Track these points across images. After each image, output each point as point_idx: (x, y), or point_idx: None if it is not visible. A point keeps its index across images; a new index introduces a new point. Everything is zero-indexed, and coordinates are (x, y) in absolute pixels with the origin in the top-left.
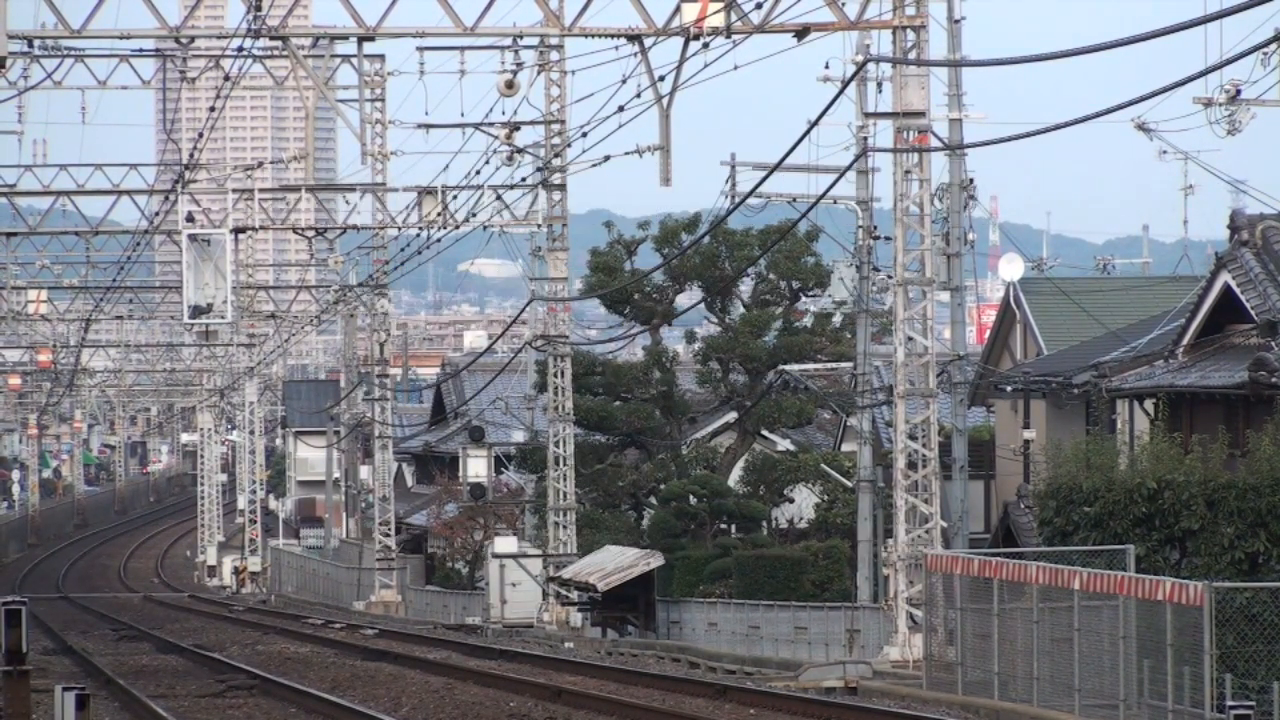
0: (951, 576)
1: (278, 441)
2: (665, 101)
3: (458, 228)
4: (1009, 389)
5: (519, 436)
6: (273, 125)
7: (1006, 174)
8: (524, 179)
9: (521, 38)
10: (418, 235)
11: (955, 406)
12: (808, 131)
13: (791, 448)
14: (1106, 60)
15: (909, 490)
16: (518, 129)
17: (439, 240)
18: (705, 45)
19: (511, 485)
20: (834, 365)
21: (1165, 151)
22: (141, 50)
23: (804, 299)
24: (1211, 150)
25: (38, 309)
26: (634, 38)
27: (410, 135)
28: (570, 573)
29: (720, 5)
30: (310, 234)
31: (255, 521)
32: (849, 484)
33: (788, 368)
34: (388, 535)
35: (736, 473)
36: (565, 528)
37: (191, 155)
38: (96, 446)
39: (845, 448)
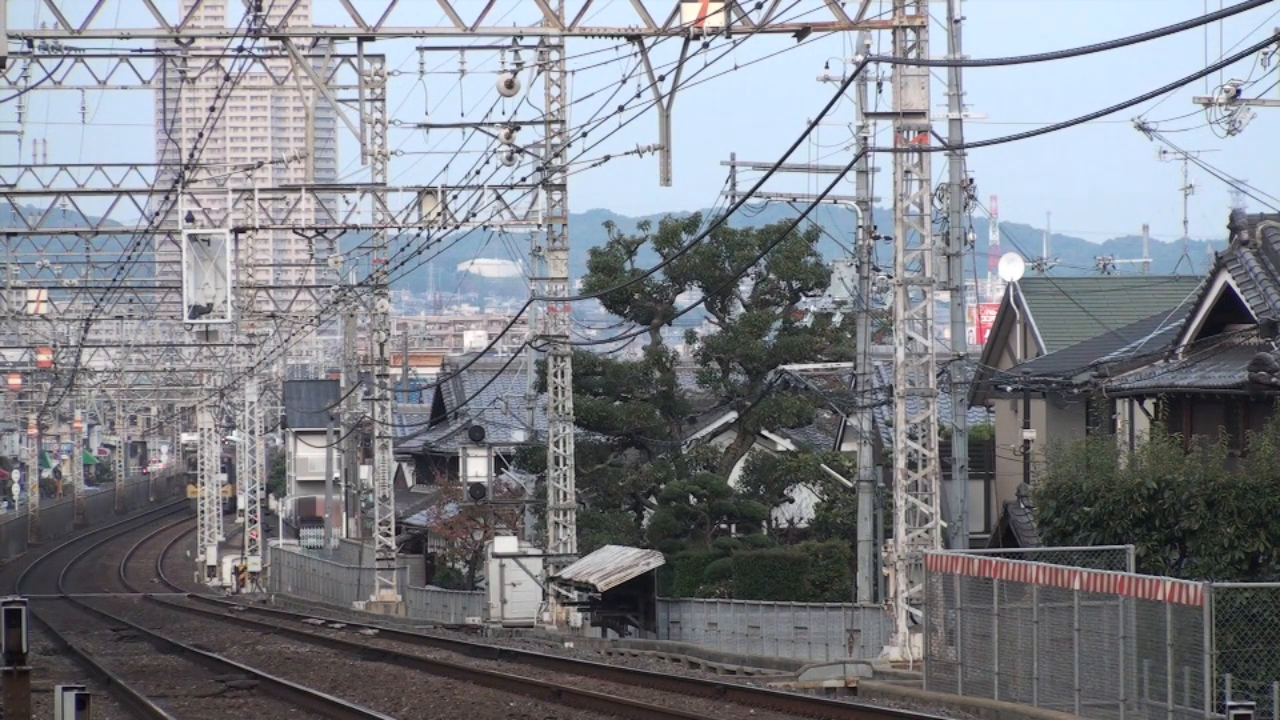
0: (951, 576)
1: (277, 441)
2: (665, 101)
3: (458, 228)
4: (1009, 389)
5: (519, 436)
6: (273, 125)
7: (1006, 174)
8: (524, 179)
9: (521, 38)
10: (418, 235)
11: (955, 406)
12: (808, 131)
13: (791, 448)
14: (1106, 60)
15: (909, 490)
16: (518, 129)
17: (439, 240)
18: (705, 45)
19: (511, 485)
20: (834, 365)
21: (1165, 151)
22: (141, 50)
23: (804, 299)
24: (1211, 150)
25: (38, 309)
26: (634, 38)
27: (410, 135)
28: (570, 573)
29: (720, 5)
30: (310, 234)
31: (255, 521)
32: (849, 484)
33: (788, 368)
34: (388, 535)
35: (736, 473)
36: (565, 528)
37: (191, 155)
38: (96, 446)
39: (845, 448)
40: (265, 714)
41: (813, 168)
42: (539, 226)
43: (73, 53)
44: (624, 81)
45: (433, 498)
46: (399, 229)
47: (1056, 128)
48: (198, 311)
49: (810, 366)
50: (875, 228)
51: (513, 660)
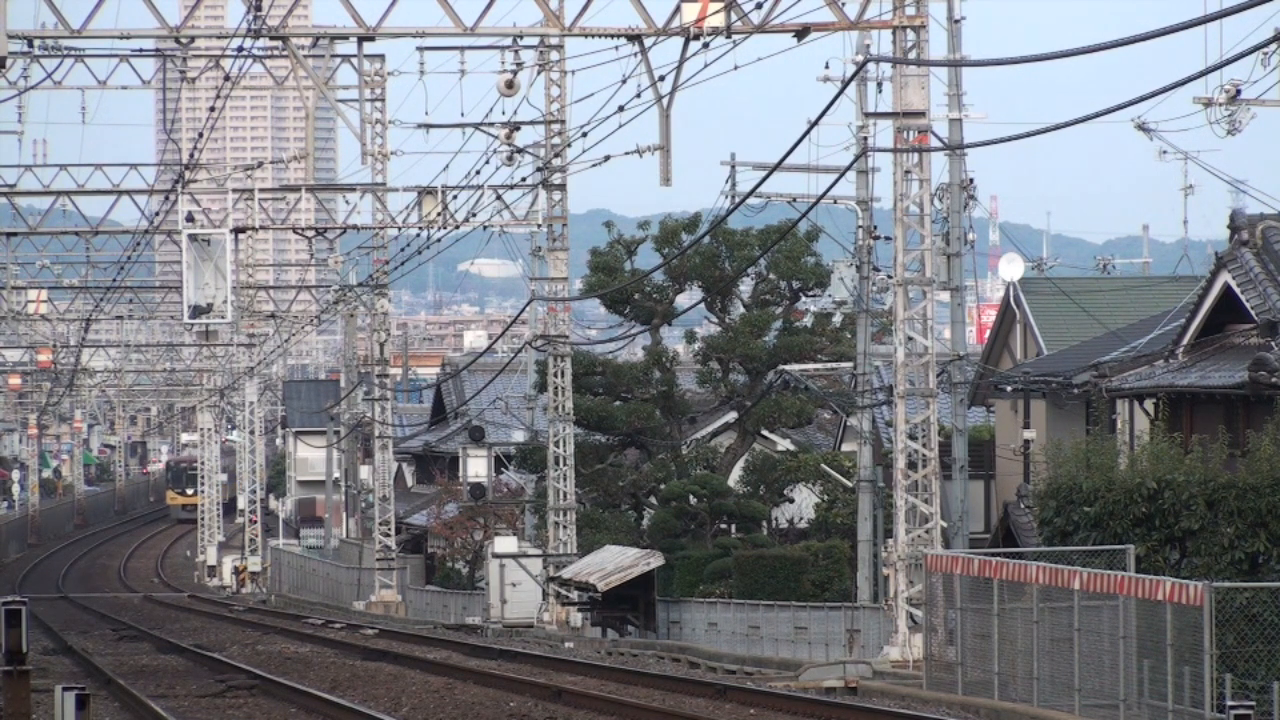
0: (951, 576)
1: (278, 441)
2: (665, 101)
3: (458, 228)
4: (1009, 389)
5: (519, 436)
6: (273, 125)
7: (1006, 174)
8: (524, 179)
9: (521, 38)
10: (418, 235)
11: (955, 406)
12: (808, 131)
13: (791, 448)
14: (1106, 60)
15: (909, 490)
16: (518, 129)
17: (439, 240)
18: (705, 45)
19: (511, 485)
20: (834, 365)
21: (1165, 151)
22: (141, 50)
23: (804, 299)
24: (1211, 150)
25: (38, 309)
26: (634, 38)
27: (410, 135)
28: (570, 573)
29: (720, 5)
30: (310, 234)
31: (255, 521)
32: (849, 484)
33: (788, 368)
34: (388, 535)
35: (736, 473)
36: (565, 528)
37: (191, 155)
38: (96, 446)
39: (845, 448)
40: (265, 714)
41: (813, 168)
42: (539, 226)
43: (73, 53)
44: (624, 81)
45: (433, 498)
46: (399, 229)
47: (1056, 128)
48: (198, 311)
49: (810, 366)
50: (875, 228)
51: (513, 660)
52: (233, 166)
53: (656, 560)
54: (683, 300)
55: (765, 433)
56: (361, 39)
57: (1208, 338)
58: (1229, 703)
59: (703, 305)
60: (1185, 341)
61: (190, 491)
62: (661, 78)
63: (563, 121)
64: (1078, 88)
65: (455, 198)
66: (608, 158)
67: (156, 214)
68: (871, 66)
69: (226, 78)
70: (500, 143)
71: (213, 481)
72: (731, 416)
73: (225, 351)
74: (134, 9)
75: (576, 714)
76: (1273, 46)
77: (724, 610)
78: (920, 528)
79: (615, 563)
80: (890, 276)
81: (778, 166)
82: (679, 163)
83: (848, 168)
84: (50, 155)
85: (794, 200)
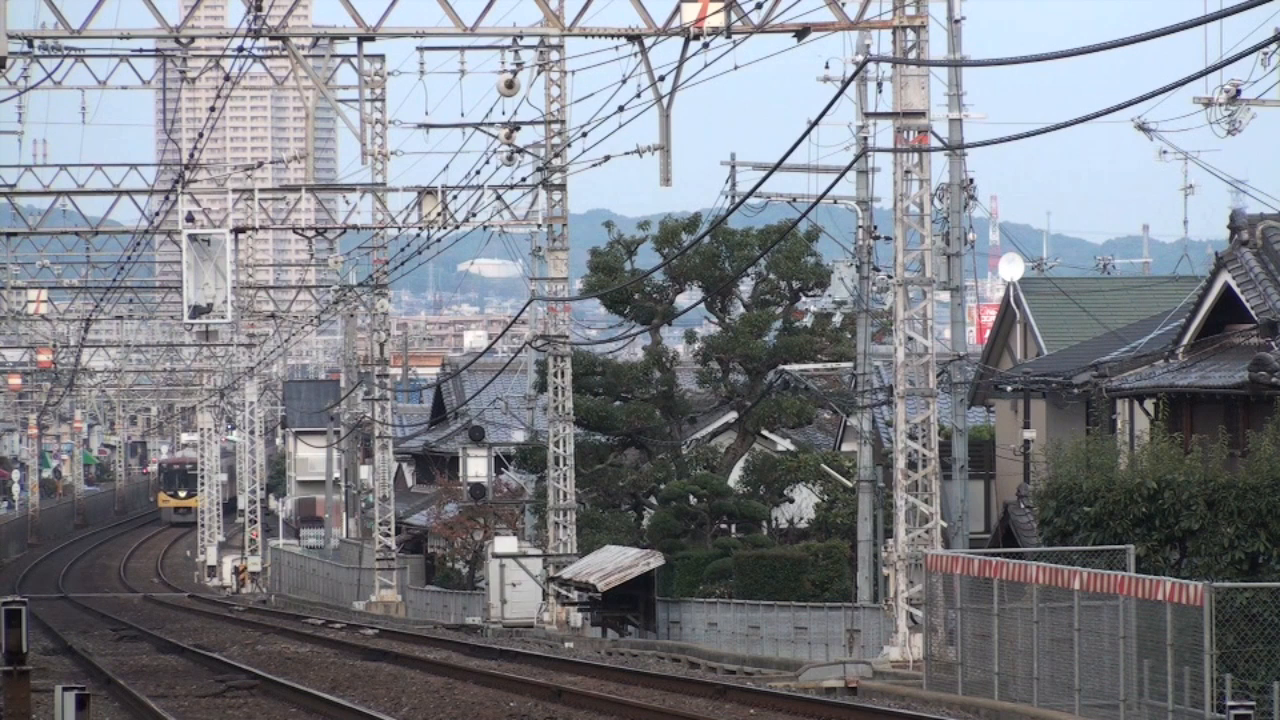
0: (951, 576)
1: (278, 441)
2: (665, 101)
3: (458, 228)
4: (1009, 389)
5: (519, 436)
6: (273, 125)
7: (1006, 174)
8: (524, 179)
9: (521, 38)
10: (418, 235)
11: (955, 406)
12: (808, 131)
13: (791, 448)
14: (1106, 60)
15: (909, 490)
16: (518, 129)
17: (439, 240)
18: (705, 45)
19: (511, 485)
20: (834, 365)
21: (1165, 151)
22: (141, 50)
23: (804, 299)
24: (1211, 150)
25: (38, 309)
26: (634, 38)
27: (410, 135)
28: (570, 573)
29: (720, 5)
30: (310, 234)
31: (255, 521)
32: (849, 484)
33: (788, 368)
34: (388, 535)
35: (736, 473)
36: (565, 528)
37: (191, 155)
38: (96, 446)
39: (845, 448)
40: (265, 714)
41: (813, 168)
42: (539, 226)
43: (73, 53)
44: (624, 81)
45: (433, 498)
46: (399, 229)
47: (1056, 128)
48: (198, 311)
49: (810, 366)
50: (875, 228)
51: (513, 660)
52: (233, 166)
53: (656, 560)
54: (683, 300)
55: (765, 433)
56: (361, 39)
57: (1208, 338)
58: (1229, 703)
59: (703, 305)
60: (1185, 341)
61: (184, 494)
62: (661, 78)
63: (563, 121)
64: (1078, 88)
65: (455, 198)
66: (608, 158)
67: (156, 214)
68: (871, 66)
69: (226, 78)
70: (500, 143)
71: (213, 481)
72: (731, 416)
73: (225, 351)
74: (134, 9)
75: (576, 714)
76: (1273, 46)
77: (724, 610)
78: (920, 528)
79: (615, 563)
80: (890, 276)
81: (778, 167)
82: (679, 163)
83: (848, 168)
84: (50, 155)
85: (794, 200)
